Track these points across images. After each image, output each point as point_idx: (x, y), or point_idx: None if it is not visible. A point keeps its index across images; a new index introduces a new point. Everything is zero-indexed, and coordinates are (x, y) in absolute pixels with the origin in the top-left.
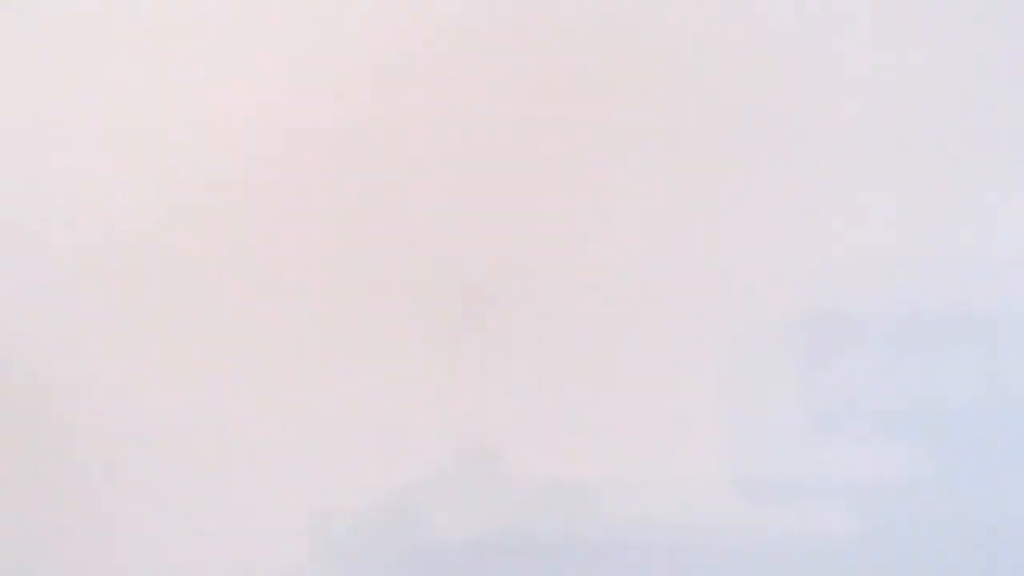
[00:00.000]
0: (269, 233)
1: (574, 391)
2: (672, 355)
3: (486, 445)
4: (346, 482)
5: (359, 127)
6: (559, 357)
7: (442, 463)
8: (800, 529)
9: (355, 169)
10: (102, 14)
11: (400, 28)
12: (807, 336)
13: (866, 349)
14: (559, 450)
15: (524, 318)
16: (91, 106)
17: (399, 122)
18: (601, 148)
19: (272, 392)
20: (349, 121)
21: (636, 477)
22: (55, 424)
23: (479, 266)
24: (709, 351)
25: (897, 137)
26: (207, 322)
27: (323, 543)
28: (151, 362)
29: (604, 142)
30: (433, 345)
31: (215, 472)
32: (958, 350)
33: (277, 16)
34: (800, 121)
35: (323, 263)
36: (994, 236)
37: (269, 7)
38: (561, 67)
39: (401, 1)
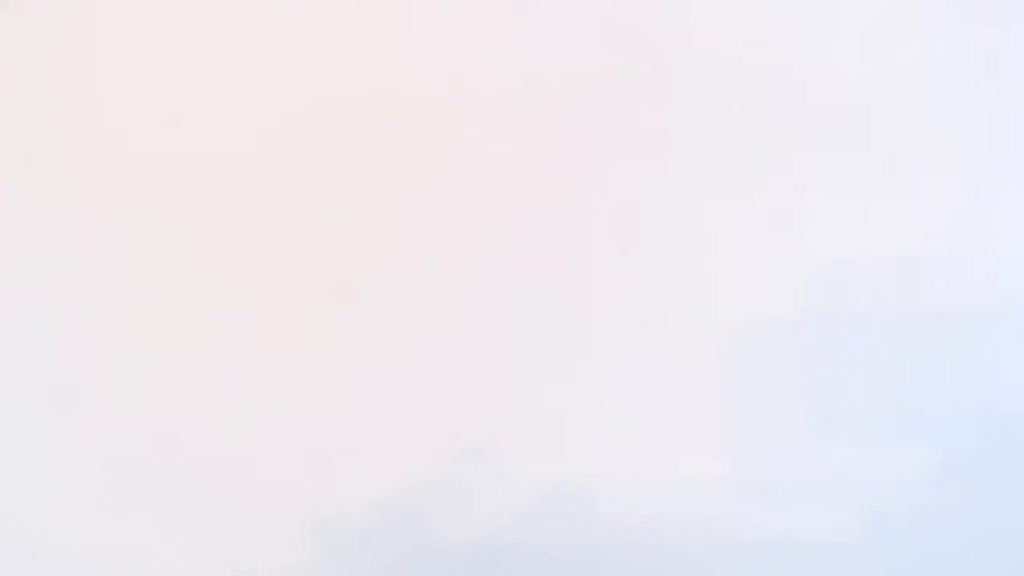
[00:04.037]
0: (268, 233)
1: (574, 391)
2: (672, 355)
3: (486, 445)
4: (346, 482)
5: (358, 125)
6: (559, 357)
7: (442, 463)
8: (800, 529)
9: (352, 168)
10: (99, 10)
11: (400, 27)
12: (807, 336)
13: (866, 349)
14: (559, 450)
15: (524, 318)
16: (87, 101)
17: (395, 120)
18: (600, 148)
19: (271, 392)
20: (348, 120)
21: (636, 477)
22: (53, 422)
23: (479, 266)
24: (709, 351)
25: (897, 137)
26: (207, 322)
27: (323, 543)
28: (151, 362)
29: (603, 142)
30: (433, 345)
31: (215, 472)
32: (958, 350)
33: (282, 12)
34: (800, 121)
35: (321, 263)
36: (994, 236)
37: (271, 6)
38: (559, 66)
39: (400, 2)
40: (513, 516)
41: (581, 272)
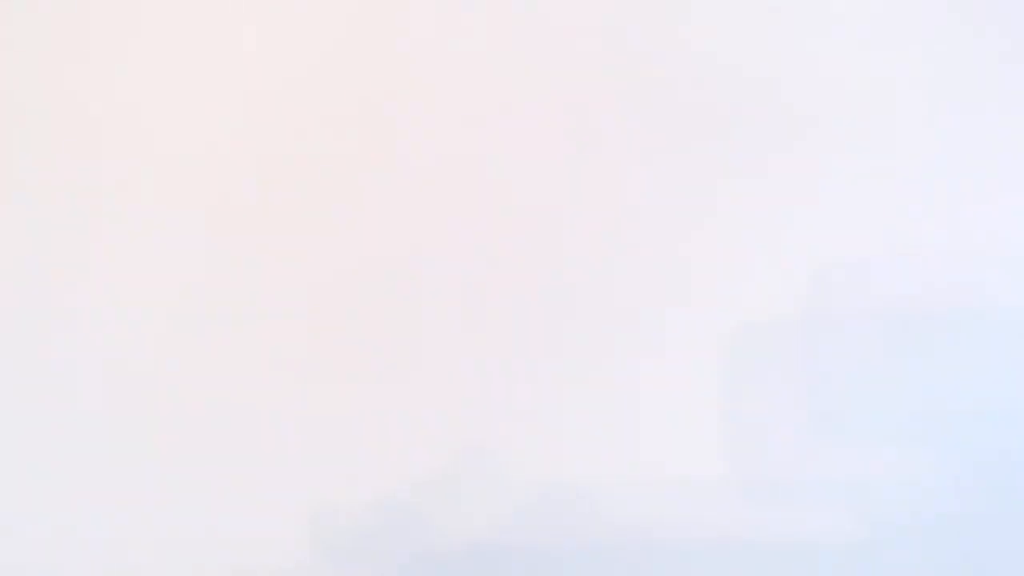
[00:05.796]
0: (269, 232)
1: (574, 391)
2: (672, 355)
3: (486, 445)
4: (346, 482)
5: (357, 126)
6: (559, 357)
7: (442, 463)
8: (800, 529)
9: (353, 167)
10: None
11: (399, 27)
12: (806, 336)
13: (866, 349)
14: (559, 450)
15: (523, 317)
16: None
17: (396, 120)
18: (601, 147)
19: (271, 391)
20: (347, 121)
21: (636, 477)
22: (53, 422)
23: (476, 266)
24: (709, 351)
25: (896, 137)
26: (206, 322)
27: (323, 543)
28: (150, 362)
29: (604, 142)
30: (433, 345)
31: (214, 472)
32: (957, 350)
33: (284, 14)
34: (800, 121)
35: (320, 263)
36: (994, 235)
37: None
38: (556, 67)
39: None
40: (513, 516)
41: (580, 272)
